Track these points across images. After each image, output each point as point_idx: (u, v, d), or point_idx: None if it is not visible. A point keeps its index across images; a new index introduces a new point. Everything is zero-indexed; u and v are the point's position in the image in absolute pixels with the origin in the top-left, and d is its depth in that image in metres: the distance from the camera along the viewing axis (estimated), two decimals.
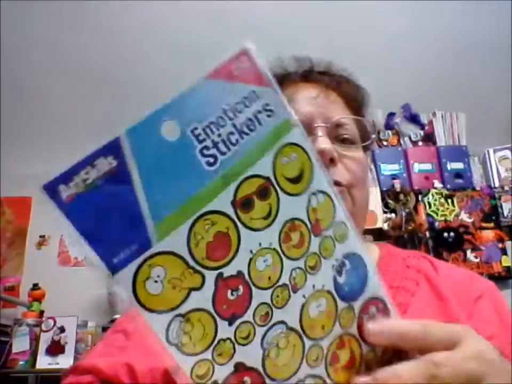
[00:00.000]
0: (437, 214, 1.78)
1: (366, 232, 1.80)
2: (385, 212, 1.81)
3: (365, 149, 0.71)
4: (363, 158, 0.67)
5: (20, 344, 2.62)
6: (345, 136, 0.65)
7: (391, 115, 2.00)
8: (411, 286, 0.65)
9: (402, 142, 1.98)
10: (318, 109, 0.64)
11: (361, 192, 0.65)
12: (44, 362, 2.56)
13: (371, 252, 0.72)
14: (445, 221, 1.77)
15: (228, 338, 0.31)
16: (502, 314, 0.64)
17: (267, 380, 0.32)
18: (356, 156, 0.65)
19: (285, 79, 0.68)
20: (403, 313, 0.61)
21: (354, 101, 0.70)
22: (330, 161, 0.61)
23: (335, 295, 0.35)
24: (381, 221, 1.79)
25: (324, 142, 0.61)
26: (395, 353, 0.37)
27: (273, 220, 0.32)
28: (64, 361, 2.49)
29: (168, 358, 0.57)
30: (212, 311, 0.31)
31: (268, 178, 0.32)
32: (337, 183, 0.61)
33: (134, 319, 0.62)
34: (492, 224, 1.76)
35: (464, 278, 0.68)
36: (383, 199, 1.83)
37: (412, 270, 0.68)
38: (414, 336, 0.36)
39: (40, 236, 3.43)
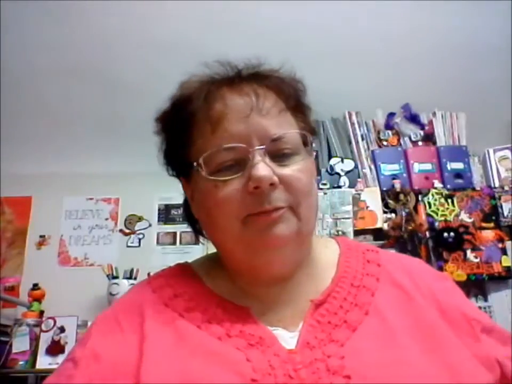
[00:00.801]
0: (437, 214, 1.78)
1: (366, 232, 1.80)
2: (385, 212, 1.81)
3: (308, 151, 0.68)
4: (306, 166, 0.63)
5: (20, 344, 2.62)
6: (285, 150, 0.62)
7: (391, 115, 2.00)
8: (372, 283, 0.66)
9: (402, 142, 1.98)
10: (252, 128, 0.61)
11: (307, 204, 0.62)
12: (44, 362, 2.56)
13: (329, 247, 0.72)
14: (445, 221, 1.77)
15: None
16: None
17: None
18: (297, 168, 0.62)
19: (211, 90, 0.64)
20: (365, 313, 0.61)
21: (290, 97, 0.66)
22: (270, 186, 0.59)
23: None
24: (381, 221, 1.79)
25: (262, 169, 0.58)
26: None
27: None
28: None
29: None
30: None
31: None
32: (278, 208, 0.59)
33: (83, 347, 0.61)
34: (492, 224, 1.76)
35: (425, 271, 0.70)
36: (383, 199, 1.83)
37: (372, 265, 0.68)
38: None
39: (40, 236, 3.43)
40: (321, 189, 1.83)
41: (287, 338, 0.59)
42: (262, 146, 0.60)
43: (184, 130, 0.65)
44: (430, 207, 1.79)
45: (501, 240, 1.74)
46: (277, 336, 0.59)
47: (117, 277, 3.02)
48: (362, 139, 1.97)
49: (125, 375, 0.56)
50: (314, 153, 0.70)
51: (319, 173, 1.89)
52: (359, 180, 1.89)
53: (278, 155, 0.61)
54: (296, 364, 0.56)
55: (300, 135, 0.64)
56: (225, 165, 0.61)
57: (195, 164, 0.62)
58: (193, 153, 0.64)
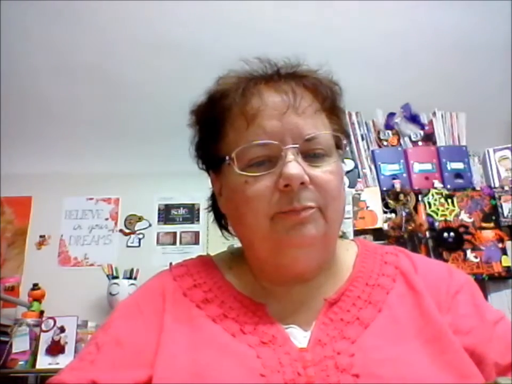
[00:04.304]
0: (437, 214, 1.78)
1: (366, 232, 1.80)
2: (385, 212, 1.81)
3: (341, 154, 0.68)
4: (337, 168, 0.64)
5: (20, 344, 2.62)
6: (317, 151, 0.62)
7: (391, 115, 2.00)
8: (387, 283, 0.66)
9: (402, 142, 1.98)
10: (287, 126, 0.61)
11: (335, 207, 0.62)
12: (44, 362, 2.56)
13: (349, 250, 0.72)
14: (445, 221, 1.77)
15: None
16: (479, 308, 0.64)
17: None
18: (329, 170, 0.62)
19: (249, 86, 0.64)
20: (378, 311, 0.61)
21: (327, 99, 0.66)
22: (301, 185, 0.59)
23: None
24: (381, 221, 1.79)
25: (294, 167, 0.59)
26: None
27: None
28: (64, 361, 2.49)
29: (137, 375, 0.59)
30: None
31: None
32: (309, 207, 0.60)
33: (106, 332, 0.63)
34: (492, 224, 1.76)
35: (442, 273, 0.68)
36: (383, 199, 1.83)
37: (390, 266, 0.68)
38: None
39: (40, 236, 3.43)
40: None
41: (301, 337, 0.60)
42: (295, 145, 0.60)
43: (218, 124, 0.65)
44: (430, 207, 1.79)
45: (501, 240, 1.74)
46: (290, 335, 0.60)
47: (117, 277, 3.02)
48: (362, 139, 1.97)
49: (144, 363, 0.58)
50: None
51: None
52: (359, 180, 1.89)
53: (310, 155, 0.61)
54: (305, 361, 0.56)
55: (332, 137, 0.64)
56: (257, 160, 0.61)
57: (227, 157, 0.63)
58: (225, 147, 0.64)
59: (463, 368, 0.56)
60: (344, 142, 0.66)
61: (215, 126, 0.66)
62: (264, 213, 0.60)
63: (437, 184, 1.85)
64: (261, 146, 0.61)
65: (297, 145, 0.60)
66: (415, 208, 1.80)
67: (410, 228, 1.75)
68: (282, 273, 0.64)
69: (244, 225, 0.64)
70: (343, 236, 1.74)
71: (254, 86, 0.64)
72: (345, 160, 1.92)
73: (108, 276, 3.03)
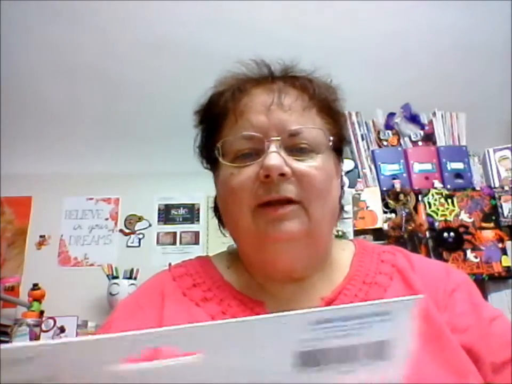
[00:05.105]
0: (437, 214, 1.78)
1: (366, 232, 1.80)
2: (385, 212, 1.81)
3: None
4: (325, 165, 0.64)
5: None
6: (303, 145, 0.63)
7: (391, 115, 2.00)
8: (385, 280, 0.66)
9: (402, 142, 1.98)
10: (272, 120, 0.63)
11: (321, 205, 0.62)
12: None
13: (346, 250, 0.72)
14: (445, 221, 1.77)
15: None
16: (476, 306, 0.65)
17: None
18: (314, 165, 0.62)
19: (241, 86, 0.66)
20: None
21: (314, 97, 0.67)
22: (281, 176, 0.60)
23: None
24: (381, 221, 1.79)
25: (274, 158, 0.60)
26: None
27: None
28: None
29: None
30: None
31: None
32: (288, 200, 0.60)
33: (106, 331, 0.63)
34: (492, 224, 1.76)
35: (440, 271, 0.69)
36: (383, 199, 1.83)
37: (387, 265, 0.68)
38: None
39: (40, 236, 3.43)
40: None
41: None
42: (277, 137, 0.62)
43: (215, 123, 0.68)
44: (430, 207, 1.79)
45: (501, 240, 1.74)
46: None
47: (117, 277, 3.02)
48: (362, 139, 1.97)
49: None
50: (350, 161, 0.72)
51: None
52: (359, 180, 1.89)
53: (296, 149, 0.63)
54: None
55: (322, 133, 0.65)
56: (243, 152, 0.63)
57: (216, 150, 0.65)
58: (218, 142, 0.66)
59: (461, 366, 0.56)
60: (330, 138, 0.66)
61: (213, 125, 0.68)
62: (247, 204, 0.61)
63: (437, 184, 1.85)
64: (246, 139, 0.63)
65: (279, 138, 0.62)
66: (415, 208, 1.80)
67: (410, 228, 1.75)
68: (270, 270, 0.65)
69: (230, 219, 0.66)
70: (343, 236, 1.74)
71: (246, 86, 0.66)
72: (345, 160, 1.92)
73: (107, 275, 3.03)
